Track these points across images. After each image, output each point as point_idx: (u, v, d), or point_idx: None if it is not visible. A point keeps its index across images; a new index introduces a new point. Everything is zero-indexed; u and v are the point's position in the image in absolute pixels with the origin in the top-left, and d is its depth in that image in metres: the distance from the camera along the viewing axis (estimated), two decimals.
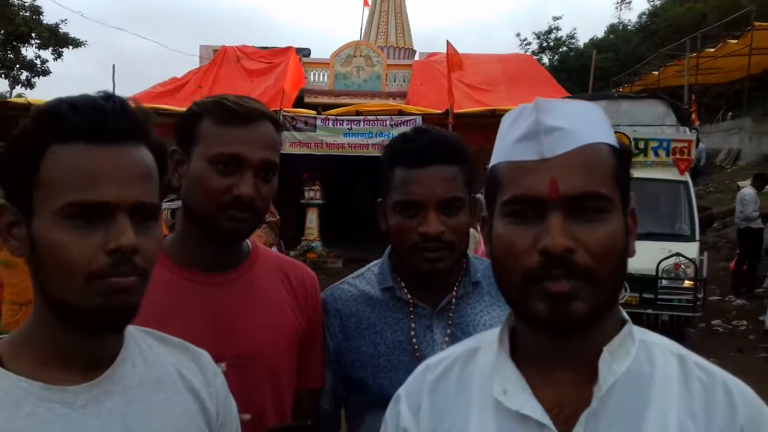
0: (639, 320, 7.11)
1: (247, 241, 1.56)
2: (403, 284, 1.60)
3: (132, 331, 1.06)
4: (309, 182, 13.46)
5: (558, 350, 0.93)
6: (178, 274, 1.44)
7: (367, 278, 1.68)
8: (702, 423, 0.88)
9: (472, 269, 1.63)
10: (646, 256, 7.17)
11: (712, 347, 8.03)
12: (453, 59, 12.28)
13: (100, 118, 0.90)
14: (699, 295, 7.32)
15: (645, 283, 7.20)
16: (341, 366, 1.63)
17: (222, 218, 1.39)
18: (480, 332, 1.57)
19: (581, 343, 0.91)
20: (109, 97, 0.93)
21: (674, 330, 7.33)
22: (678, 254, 7.21)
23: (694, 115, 17.43)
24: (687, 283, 7.29)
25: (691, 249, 7.54)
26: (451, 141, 1.55)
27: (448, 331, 1.58)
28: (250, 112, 1.41)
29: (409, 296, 1.60)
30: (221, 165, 1.38)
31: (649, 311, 7.19)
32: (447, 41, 12.22)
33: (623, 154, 0.94)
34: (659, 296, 7.26)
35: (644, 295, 7.22)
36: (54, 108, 0.91)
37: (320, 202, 13.57)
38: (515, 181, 0.91)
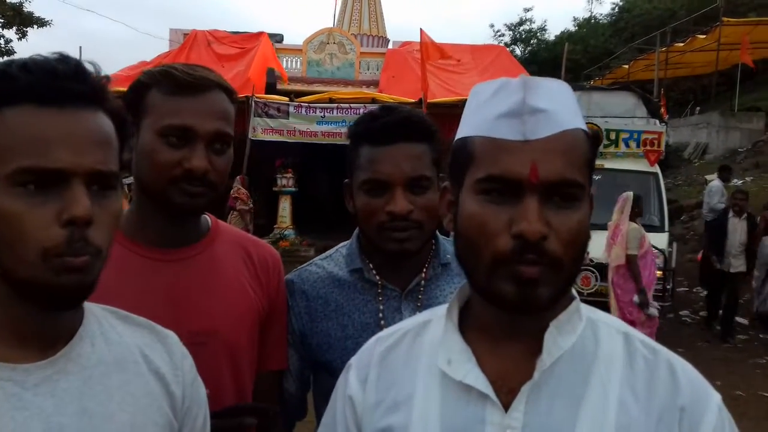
0: (610, 310, 7.20)
1: (208, 217, 1.51)
2: (371, 266, 1.56)
3: (94, 309, 1.01)
4: (282, 170, 13.35)
5: (512, 325, 0.93)
6: (132, 249, 1.38)
7: (335, 259, 1.63)
8: (643, 400, 0.89)
9: (441, 250, 1.59)
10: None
11: (680, 338, 8.17)
12: (431, 48, 12.22)
13: (53, 79, 0.85)
14: (668, 286, 7.40)
15: None
16: (307, 348, 1.58)
17: (174, 193, 1.33)
18: None
19: (536, 319, 0.91)
20: (63, 59, 0.88)
21: None
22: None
23: (663, 109, 17.68)
24: (657, 273, 7.36)
25: (660, 239, 7.62)
26: (419, 118, 1.51)
27: (417, 313, 1.53)
28: (200, 81, 1.34)
29: (377, 278, 1.55)
30: (171, 137, 1.32)
31: None
32: (421, 29, 12.16)
33: (594, 141, 0.94)
34: None
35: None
36: (3, 68, 0.86)
37: (293, 189, 13.48)
38: (493, 160, 0.88)
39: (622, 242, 6.44)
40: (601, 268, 7.27)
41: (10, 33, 18.41)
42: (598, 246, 7.37)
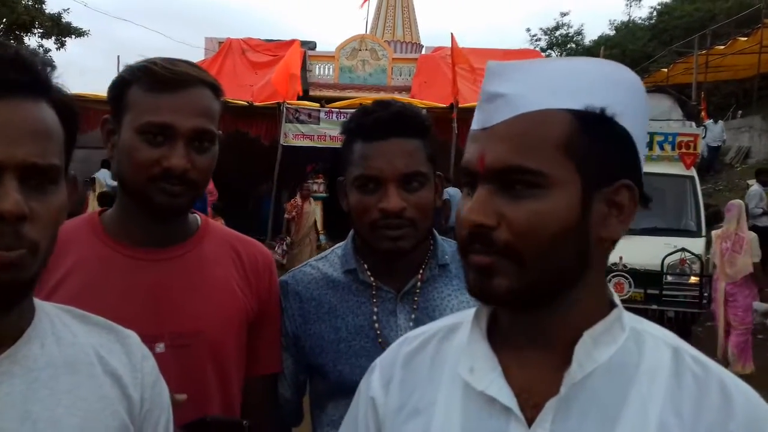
0: (644, 316, 6.98)
1: (198, 215, 1.47)
2: (366, 267, 1.50)
3: (47, 307, 0.96)
4: (313, 175, 13.41)
5: (527, 330, 0.87)
6: (115, 248, 1.35)
7: (330, 260, 1.58)
8: (688, 422, 0.80)
9: (439, 251, 1.53)
10: (650, 252, 7.10)
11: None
12: (460, 53, 12.18)
13: None
14: (705, 292, 7.20)
15: (650, 278, 7.10)
16: (300, 351, 1.53)
17: (154, 192, 1.29)
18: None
19: (550, 322, 0.85)
20: (0, 47, 0.84)
21: (680, 327, 7.24)
22: (683, 249, 7.11)
23: (703, 113, 17.31)
24: (693, 279, 7.20)
25: (697, 245, 7.44)
26: (412, 113, 1.45)
27: (413, 315, 1.47)
28: (180, 77, 1.30)
29: (372, 279, 1.49)
30: (150, 135, 1.28)
31: (654, 307, 7.06)
32: (452, 34, 12.11)
33: (592, 121, 0.81)
34: (664, 292, 7.14)
35: (649, 291, 7.11)
36: None
37: (324, 195, 13.52)
38: (466, 150, 0.87)
39: (748, 251, 6.43)
40: (636, 275, 7.10)
41: (49, 43, 18.95)
42: (633, 251, 7.22)
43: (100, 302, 1.25)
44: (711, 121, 18.30)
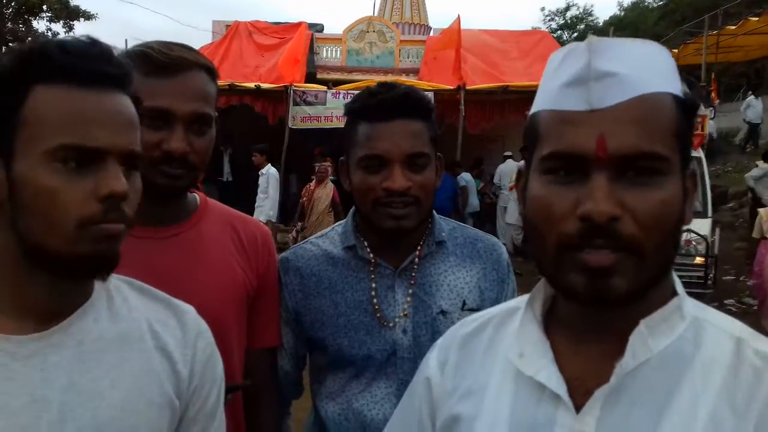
0: None
1: (197, 195, 1.50)
2: (365, 243, 1.54)
3: (110, 280, 1.00)
4: (320, 158, 13.41)
5: (595, 322, 0.83)
6: None
7: (330, 237, 1.62)
8: (740, 413, 0.75)
9: (437, 228, 1.56)
10: None
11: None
12: (461, 35, 12.12)
13: (90, 61, 0.88)
14: (710, 273, 7.20)
15: None
16: (300, 325, 1.57)
17: (154, 174, 1.32)
18: (444, 293, 1.52)
19: (622, 316, 0.81)
20: (95, 42, 0.91)
21: None
22: (689, 230, 7.09)
23: (713, 94, 17.14)
24: (698, 259, 7.20)
25: (703, 225, 7.43)
26: (417, 95, 1.49)
27: (410, 291, 1.51)
28: (176, 62, 1.32)
29: (371, 255, 1.53)
30: (149, 119, 1.30)
31: None
32: (458, 16, 12.07)
33: (689, 106, 0.80)
34: None
35: None
36: (42, 47, 0.88)
37: (332, 177, 13.52)
38: (558, 134, 0.79)
39: None
40: None
41: (58, 26, 19.01)
42: None
43: None
44: (753, 96, 18.15)
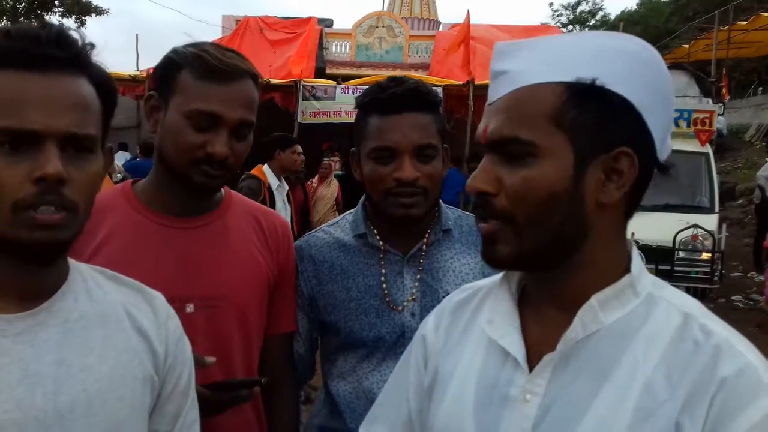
0: None
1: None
2: (375, 231, 1.62)
3: (81, 267, 1.05)
4: (329, 153, 13.43)
5: (545, 290, 0.94)
6: (149, 216, 1.46)
7: (341, 226, 1.69)
8: (674, 382, 0.82)
9: (443, 217, 1.64)
10: (663, 228, 7.09)
11: (729, 322, 7.86)
12: (470, 30, 12.11)
13: (33, 45, 0.89)
14: (716, 268, 7.21)
15: (661, 254, 7.09)
16: (315, 310, 1.65)
17: (194, 173, 1.39)
18: (450, 278, 1.59)
19: (563, 284, 0.91)
20: (45, 26, 0.92)
21: None
22: (696, 226, 7.11)
23: (724, 90, 17.04)
24: (704, 255, 7.20)
25: (710, 221, 7.44)
26: (426, 89, 1.56)
27: (418, 276, 1.59)
28: (231, 69, 1.38)
29: (380, 243, 1.60)
30: (197, 121, 1.37)
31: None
32: (467, 11, 12.07)
33: (584, 91, 0.85)
34: (675, 268, 7.17)
35: (660, 267, 7.08)
36: None
37: (341, 172, 13.55)
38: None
39: None
40: (647, 250, 7.12)
41: (70, 22, 19.02)
42: (646, 227, 7.23)
43: (135, 266, 1.35)
44: None
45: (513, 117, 0.87)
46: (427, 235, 1.61)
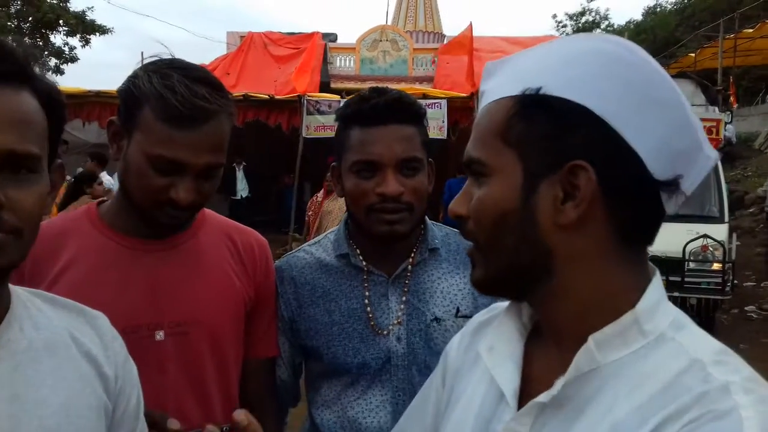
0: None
1: None
2: (358, 251, 1.54)
3: (19, 292, 0.98)
4: (330, 169, 13.42)
5: (552, 329, 0.85)
6: (114, 239, 1.38)
7: (323, 245, 1.61)
8: (645, 421, 0.71)
9: (429, 235, 1.56)
10: (672, 238, 6.99)
11: (743, 333, 7.81)
12: (474, 42, 12.13)
13: None
14: (728, 279, 7.08)
15: (671, 265, 6.95)
16: (296, 334, 1.57)
17: (158, 214, 1.32)
18: (437, 300, 1.50)
19: (552, 316, 0.83)
20: None
21: (703, 314, 7.15)
22: (706, 236, 7.00)
23: (732, 98, 16.96)
24: (715, 265, 7.07)
25: (719, 231, 7.31)
26: (409, 100, 1.49)
27: (404, 298, 1.51)
28: (197, 113, 1.24)
29: (364, 263, 1.53)
30: (160, 165, 1.27)
31: (676, 294, 6.95)
32: (470, 23, 12.07)
33: (528, 102, 0.78)
34: (686, 279, 7.04)
35: (671, 278, 7.00)
36: None
37: None
38: None
39: None
40: (657, 262, 6.95)
41: (74, 40, 19.19)
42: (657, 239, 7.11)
43: (100, 292, 1.29)
44: None
45: (475, 136, 0.85)
46: (412, 255, 1.53)
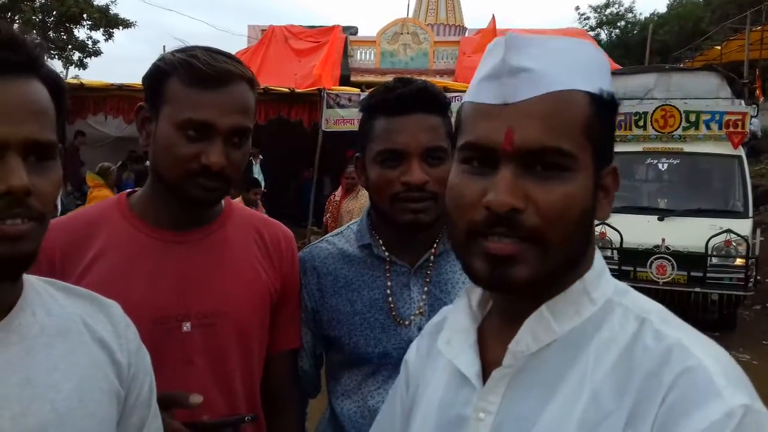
0: (687, 299, 6.88)
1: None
2: (381, 241, 1.55)
3: (33, 280, 1.01)
4: (354, 160, 13.39)
5: (512, 307, 0.87)
6: (144, 230, 1.40)
7: (346, 236, 1.62)
8: (622, 391, 0.76)
9: None
10: (694, 233, 6.96)
11: (766, 329, 7.72)
12: (496, 35, 12.06)
13: None
14: (751, 274, 6.98)
15: (693, 260, 6.93)
16: (318, 325, 1.58)
17: (190, 186, 1.32)
18: (459, 291, 1.51)
19: (536, 302, 0.84)
20: None
21: (724, 310, 7.08)
22: (729, 231, 6.90)
23: (758, 91, 16.67)
24: (738, 261, 6.96)
25: (743, 226, 7.19)
26: (434, 90, 1.49)
27: (426, 288, 1.52)
28: (222, 74, 1.30)
29: (386, 253, 1.54)
30: (189, 131, 1.30)
31: (698, 290, 6.90)
32: (492, 16, 12.01)
33: (607, 105, 0.82)
34: (708, 274, 6.95)
35: (692, 274, 6.94)
36: None
37: None
38: (473, 126, 0.83)
39: None
40: (679, 257, 6.96)
41: (98, 34, 19.35)
42: (677, 233, 7.05)
43: (129, 283, 1.32)
44: None
45: (554, 125, 0.78)
46: (435, 245, 1.53)
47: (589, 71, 0.82)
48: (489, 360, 0.88)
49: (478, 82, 0.84)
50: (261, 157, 13.32)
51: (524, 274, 0.79)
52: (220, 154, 1.30)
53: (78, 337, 0.99)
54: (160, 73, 1.34)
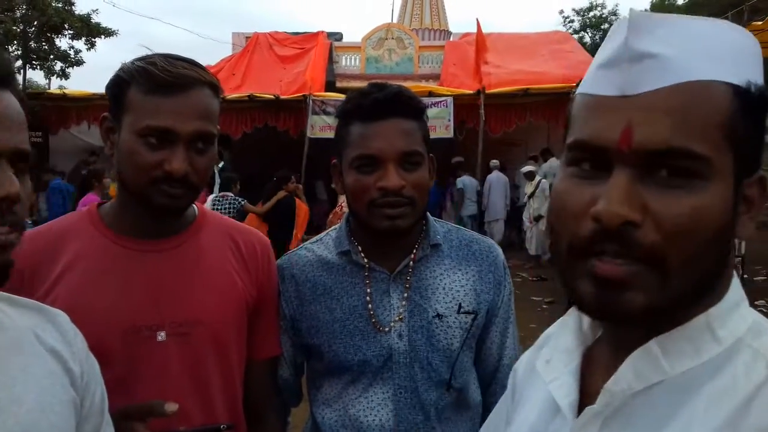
0: None
1: (194, 205, 1.49)
2: (359, 248, 1.53)
3: None
4: (332, 167, 13.41)
5: (618, 335, 0.76)
6: (115, 240, 1.38)
7: (324, 243, 1.60)
8: None
9: (431, 231, 1.55)
10: None
11: None
12: (481, 39, 12.12)
13: None
14: (738, 273, 6.99)
15: None
16: (297, 333, 1.56)
17: (155, 193, 1.31)
18: (439, 296, 1.49)
19: (649, 333, 0.71)
20: None
21: None
22: None
23: None
24: None
25: None
26: (409, 94, 1.48)
27: (405, 295, 1.50)
28: (180, 80, 1.30)
29: (365, 260, 1.52)
30: (150, 138, 1.29)
31: None
32: (477, 20, 12.05)
33: (756, 101, 0.67)
34: None
35: None
36: None
37: None
38: (584, 121, 0.70)
39: None
40: None
41: (80, 44, 19.15)
42: None
43: (100, 293, 1.30)
44: None
45: (684, 122, 0.64)
46: (414, 251, 1.51)
47: (733, 59, 0.67)
48: (590, 390, 0.76)
49: (594, 69, 0.72)
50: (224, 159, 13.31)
51: (639, 303, 0.65)
52: (183, 160, 1.29)
53: (32, 349, 0.97)
54: (120, 82, 1.33)
